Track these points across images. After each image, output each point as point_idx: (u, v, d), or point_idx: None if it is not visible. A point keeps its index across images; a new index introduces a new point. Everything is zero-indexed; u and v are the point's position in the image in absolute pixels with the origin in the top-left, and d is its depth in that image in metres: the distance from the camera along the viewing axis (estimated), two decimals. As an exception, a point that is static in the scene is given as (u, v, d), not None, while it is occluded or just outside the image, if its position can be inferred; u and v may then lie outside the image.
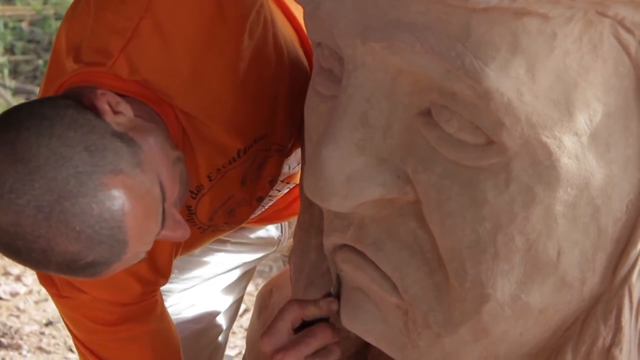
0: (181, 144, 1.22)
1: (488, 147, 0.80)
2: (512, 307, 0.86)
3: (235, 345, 2.19)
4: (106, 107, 1.09)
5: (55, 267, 1.06)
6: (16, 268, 3.58)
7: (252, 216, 1.59)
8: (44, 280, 1.32)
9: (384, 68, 0.83)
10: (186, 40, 1.16)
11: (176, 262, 1.66)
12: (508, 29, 0.76)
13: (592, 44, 0.77)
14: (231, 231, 1.52)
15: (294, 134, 1.37)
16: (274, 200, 1.59)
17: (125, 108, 1.12)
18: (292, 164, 1.49)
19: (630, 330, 0.87)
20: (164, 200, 1.12)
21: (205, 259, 1.69)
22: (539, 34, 0.76)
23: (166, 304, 1.70)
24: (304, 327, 1.07)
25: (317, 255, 1.12)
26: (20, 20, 5.85)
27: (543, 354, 0.92)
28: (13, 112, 1.09)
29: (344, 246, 0.97)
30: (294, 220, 1.82)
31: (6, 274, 3.57)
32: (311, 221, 1.14)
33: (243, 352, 1.62)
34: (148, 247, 1.14)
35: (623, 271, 0.86)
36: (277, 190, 1.54)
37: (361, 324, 0.99)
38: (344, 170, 0.85)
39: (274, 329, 1.07)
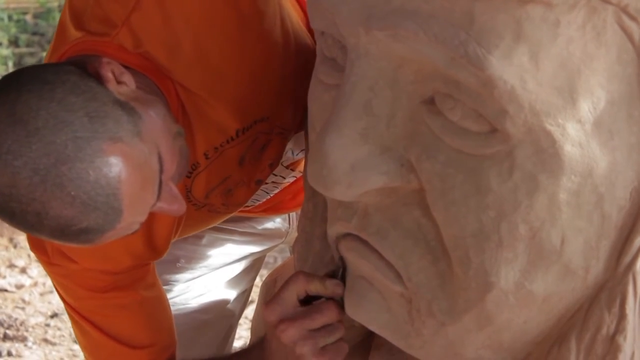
0: (180, 120, 1.22)
1: (492, 135, 0.80)
2: (516, 295, 0.86)
3: (241, 336, 2.19)
4: (110, 76, 1.09)
5: (49, 232, 1.06)
6: (21, 260, 3.59)
7: (257, 202, 1.59)
8: (35, 246, 1.32)
9: (388, 56, 0.83)
10: (187, 15, 1.16)
11: (183, 251, 1.66)
12: (511, 16, 0.75)
13: (595, 32, 0.77)
14: (230, 214, 1.51)
15: (297, 118, 1.37)
16: (279, 188, 1.58)
17: (128, 79, 1.11)
18: (296, 150, 1.48)
19: (634, 317, 0.87)
20: (161, 172, 1.11)
21: (213, 248, 1.69)
22: (542, 21, 0.76)
23: (173, 293, 1.70)
24: (308, 300, 1.07)
25: (321, 245, 1.12)
26: (25, 13, 5.86)
27: (547, 341, 0.91)
28: (15, 75, 1.08)
29: (347, 235, 0.97)
30: (301, 212, 1.82)
31: (11, 266, 3.58)
32: (315, 210, 1.14)
33: (248, 342, 1.62)
34: (142, 218, 1.13)
35: (627, 259, 0.86)
36: (281, 177, 1.53)
37: (365, 313, 0.99)
38: (348, 158, 0.85)
39: (279, 299, 1.08)
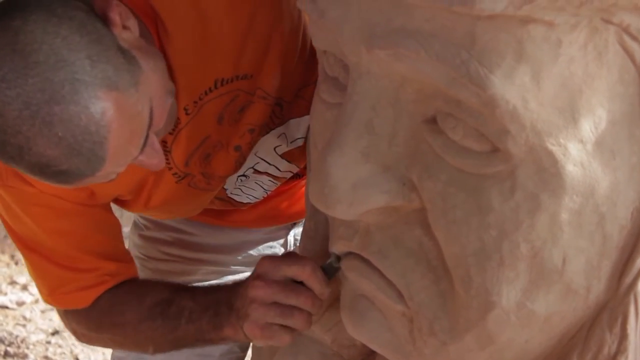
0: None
1: (493, 155, 0.80)
2: (517, 314, 0.86)
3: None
4: (117, 19, 1.07)
5: (26, 167, 1.05)
6: (22, 277, 3.58)
7: (253, 199, 1.56)
8: None
9: (389, 75, 0.83)
10: None
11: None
12: (513, 36, 0.76)
13: (597, 51, 0.77)
14: (212, 193, 1.49)
15: (285, 91, 1.36)
16: (275, 182, 1.57)
17: (133, 24, 1.11)
18: (290, 137, 1.47)
19: (636, 338, 0.87)
20: (149, 126, 1.11)
21: (210, 281, 1.67)
22: (544, 41, 0.76)
23: None
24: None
25: (322, 264, 1.12)
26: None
27: (549, 361, 0.91)
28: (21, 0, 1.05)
29: (349, 254, 0.97)
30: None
31: (12, 283, 3.58)
32: (316, 229, 1.14)
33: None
34: (121, 169, 1.12)
35: (628, 279, 0.85)
36: (276, 168, 1.51)
37: (366, 332, 0.99)
38: (349, 177, 0.86)
39: (276, 267, 1.13)
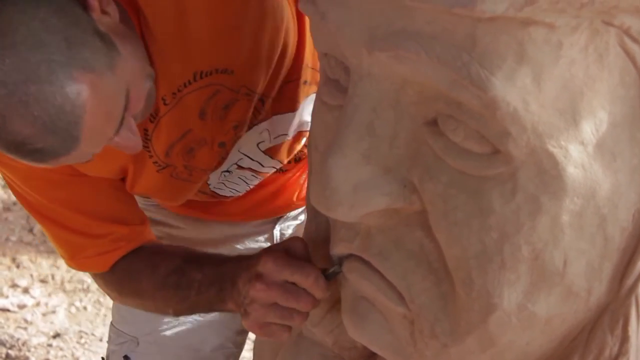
0: None
1: (494, 157, 0.80)
2: (518, 316, 0.86)
3: (243, 357, 2.18)
4: (95, 4, 1.09)
5: (2, 145, 1.06)
6: (24, 280, 3.59)
7: (236, 193, 1.58)
8: None
9: (390, 78, 0.83)
10: None
11: None
12: (514, 38, 0.76)
13: (598, 54, 0.77)
14: (195, 185, 1.50)
15: (270, 89, 1.37)
16: (258, 178, 1.58)
17: (112, 10, 1.12)
18: (273, 133, 1.48)
19: (637, 340, 0.87)
20: (126, 109, 1.12)
21: None
22: (544, 43, 0.76)
23: (163, 325, 1.71)
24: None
25: (323, 266, 1.12)
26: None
27: (550, 364, 0.91)
28: None
29: (350, 256, 0.97)
30: (287, 233, 1.82)
31: (14, 286, 3.58)
32: (318, 231, 1.14)
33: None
34: (97, 150, 1.14)
35: (630, 281, 0.85)
36: (259, 163, 1.53)
37: (367, 334, 0.99)
38: (350, 179, 0.86)
39: (281, 268, 1.13)
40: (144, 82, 1.17)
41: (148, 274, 1.42)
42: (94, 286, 3.52)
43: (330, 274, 1.08)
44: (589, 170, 0.80)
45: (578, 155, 0.79)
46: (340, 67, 0.91)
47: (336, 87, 0.94)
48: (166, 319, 1.75)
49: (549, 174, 0.79)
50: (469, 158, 0.81)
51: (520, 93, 0.76)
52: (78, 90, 1.04)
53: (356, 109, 0.85)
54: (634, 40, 0.78)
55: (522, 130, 0.78)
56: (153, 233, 1.53)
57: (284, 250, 1.17)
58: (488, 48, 0.76)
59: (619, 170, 0.81)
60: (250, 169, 1.55)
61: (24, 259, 3.74)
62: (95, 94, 1.06)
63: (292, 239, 1.19)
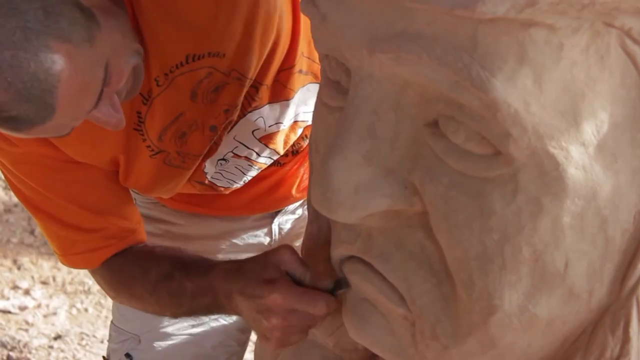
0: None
1: (495, 158, 0.80)
2: (519, 318, 0.86)
3: (244, 358, 2.19)
4: None
5: None
6: (25, 282, 3.59)
7: (233, 184, 1.59)
8: None
9: (391, 79, 0.83)
10: None
11: None
12: (515, 39, 0.76)
13: (599, 55, 0.77)
14: (187, 172, 1.50)
15: (263, 75, 1.37)
16: (254, 168, 1.58)
17: None
18: (268, 120, 1.49)
19: (639, 341, 0.87)
20: (105, 83, 1.12)
21: None
22: (545, 44, 0.76)
23: (164, 322, 1.71)
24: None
25: (325, 267, 1.12)
26: None
27: (551, 365, 0.91)
28: None
29: (351, 257, 0.97)
30: (285, 227, 1.83)
31: (15, 287, 3.58)
32: (319, 233, 1.14)
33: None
34: (75, 123, 1.14)
35: (631, 282, 0.85)
36: (255, 152, 1.53)
37: (368, 335, 0.99)
38: (351, 181, 0.85)
39: (290, 305, 1.13)
40: (128, 58, 1.17)
41: (140, 279, 1.43)
42: (95, 288, 3.53)
43: (339, 293, 1.08)
44: (590, 171, 0.79)
45: (579, 156, 0.79)
46: (341, 68, 0.91)
47: (337, 88, 0.94)
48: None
49: (550, 175, 0.79)
50: (469, 159, 0.81)
51: (521, 94, 0.76)
52: (53, 59, 1.04)
53: (357, 110, 0.85)
54: (635, 41, 0.78)
55: (523, 131, 0.77)
56: (145, 234, 1.53)
57: (286, 280, 1.16)
58: (489, 49, 0.76)
59: (620, 172, 0.81)
60: (246, 157, 1.55)
61: (25, 260, 3.74)
62: (71, 64, 1.06)
63: (282, 251, 1.19)
